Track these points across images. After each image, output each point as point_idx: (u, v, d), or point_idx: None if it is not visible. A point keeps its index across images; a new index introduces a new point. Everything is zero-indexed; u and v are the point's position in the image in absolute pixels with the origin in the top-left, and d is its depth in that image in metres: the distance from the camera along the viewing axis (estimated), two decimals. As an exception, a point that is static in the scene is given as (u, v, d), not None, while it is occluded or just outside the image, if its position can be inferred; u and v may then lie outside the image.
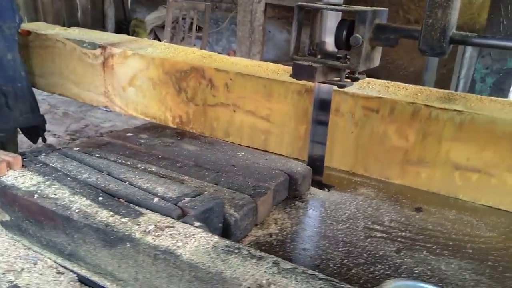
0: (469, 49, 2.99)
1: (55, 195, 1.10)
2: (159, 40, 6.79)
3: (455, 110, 1.44)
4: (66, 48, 2.20)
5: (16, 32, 1.89)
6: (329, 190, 1.51)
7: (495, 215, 1.42)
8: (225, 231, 1.15)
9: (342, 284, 0.85)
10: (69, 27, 2.50)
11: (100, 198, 1.09)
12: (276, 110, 1.76)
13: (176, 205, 1.09)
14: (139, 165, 1.35)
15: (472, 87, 2.46)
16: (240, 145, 1.84)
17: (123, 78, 2.06)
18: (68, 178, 1.17)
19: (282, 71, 1.80)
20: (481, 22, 2.72)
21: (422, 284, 0.77)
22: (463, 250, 1.22)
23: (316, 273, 0.87)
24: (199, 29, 6.24)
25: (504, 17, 2.28)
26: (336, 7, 1.26)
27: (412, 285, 0.77)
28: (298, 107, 1.71)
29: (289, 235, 1.25)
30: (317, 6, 1.28)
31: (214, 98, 1.88)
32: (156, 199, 1.11)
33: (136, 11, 7.93)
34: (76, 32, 2.37)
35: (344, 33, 1.24)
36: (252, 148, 1.81)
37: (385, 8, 1.27)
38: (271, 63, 1.90)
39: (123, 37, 2.31)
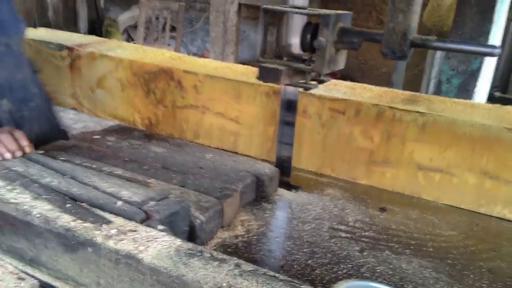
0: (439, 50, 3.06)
1: (16, 199, 1.08)
2: (133, 40, 6.73)
3: (417, 111, 1.47)
4: (32, 49, 2.16)
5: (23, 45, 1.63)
6: (296, 191, 1.53)
7: (457, 214, 1.45)
8: (191, 234, 1.15)
9: (302, 285, 0.86)
10: (40, 27, 2.45)
11: (63, 203, 1.08)
12: (245, 112, 1.77)
13: (140, 209, 1.09)
14: (104, 168, 1.33)
15: (438, 88, 2.51)
16: (209, 146, 1.85)
17: (91, 80, 2.04)
18: (30, 183, 1.15)
19: (251, 73, 1.81)
20: (449, 25, 2.78)
21: (373, 284, 0.79)
22: (424, 249, 1.25)
23: (277, 275, 0.88)
24: (173, 29, 6.20)
25: (468, 20, 2.34)
26: (301, 11, 1.27)
27: (364, 285, 0.78)
28: (266, 108, 1.72)
29: (255, 237, 1.26)
30: (282, 10, 1.29)
31: (183, 100, 1.88)
32: (119, 203, 1.10)
33: (109, 10, 7.83)
34: (43, 33, 2.33)
35: (309, 36, 1.26)
36: (221, 149, 1.82)
37: (348, 12, 1.29)
38: (240, 65, 1.91)
39: (91, 38, 2.29)
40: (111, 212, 1.06)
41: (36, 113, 1.68)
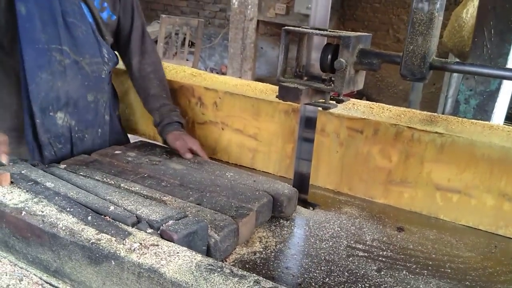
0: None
1: (43, 212, 1.12)
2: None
3: (436, 132, 1.48)
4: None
5: (105, 70, 1.67)
6: (313, 209, 1.54)
7: (475, 235, 1.45)
8: (206, 253, 1.16)
9: (321, 303, 0.87)
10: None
11: (85, 216, 1.11)
12: (264, 129, 1.79)
13: (159, 228, 1.10)
14: (122, 184, 1.36)
15: (456, 108, 2.51)
16: (228, 162, 1.87)
17: (123, 99, 2.09)
18: (54, 196, 1.19)
19: (270, 91, 1.84)
20: (471, 45, 2.78)
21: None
22: (442, 269, 1.25)
23: (295, 292, 0.90)
24: (192, 44, 6.30)
25: (487, 41, 2.34)
26: (321, 32, 1.30)
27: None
28: (285, 126, 1.74)
29: (272, 253, 1.28)
30: (303, 31, 1.32)
31: (203, 116, 1.91)
32: (112, 207, 1.13)
33: (129, 26, 7.97)
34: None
35: (329, 57, 1.28)
36: (240, 166, 1.84)
37: (368, 34, 1.31)
38: (260, 83, 1.94)
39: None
40: (106, 215, 1.12)
41: (102, 140, 1.71)
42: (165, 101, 1.78)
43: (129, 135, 2.06)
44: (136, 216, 1.14)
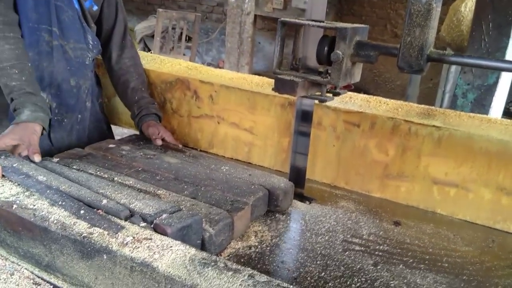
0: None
1: (34, 205, 1.10)
2: (149, 49, 6.80)
3: (433, 125, 1.47)
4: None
5: (89, 57, 1.68)
6: (310, 203, 1.53)
7: (472, 229, 1.44)
8: (201, 247, 1.14)
9: (316, 297, 0.86)
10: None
11: (78, 210, 1.09)
12: (260, 123, 1.78)
13: (153, 221, 1.09)
14: (116, 178, 1.34)
15: (453, 102, 2.50)
16: (223, 157, 1.86)
17: (109, 88, 2.06)
18: (46, 189, 1.17)
19: (266, 84, 1.82)
20: (468, 39, 2.77)
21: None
22: (439, 264, 1.24)
23: (290, 286, 0.88)
24: (189, 39, 6.26)
25: (485, 34, 2.33)
26: (318, 24, 1.28)
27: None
28: (281, 120, 1.73)
29: (268, 248, 1.26)
30: (299, 22, 1.30)
31: (199, 109, 1.89)
32: (104, 201, 1.12)
33: (126, 20, 7.93)
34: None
35: (326, 49, 1.27)
36: (236, 160, 1.82)
37: (365, 26, 1.29)
38: (256, 76, 1.92)
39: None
40: (98, 208, 1.10)
41: (81, 126, 1.70)
42: (143, 94, 1.80)
43: (124, 130, 2.04)
44: (129, 210, 1.12)
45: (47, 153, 1.46)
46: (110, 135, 1.96)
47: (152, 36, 6.27)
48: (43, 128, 1.44)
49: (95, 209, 1.11)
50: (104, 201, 1.13)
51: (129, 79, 1.79)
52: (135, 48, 1.88)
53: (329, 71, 1.25)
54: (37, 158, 1.36)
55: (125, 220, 1.08)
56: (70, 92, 1.65)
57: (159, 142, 1.68)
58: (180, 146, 1.72)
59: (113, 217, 1.08)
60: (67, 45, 1.58)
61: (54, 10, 1.52)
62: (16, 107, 1.41)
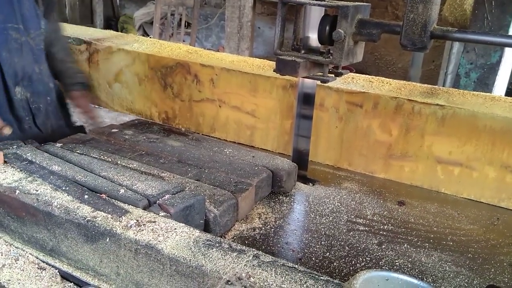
0: (456, 45, 3.01)
1: (37, 191, 1.10)
2: (148, 36, 6.75)
3: (437, 104, 1.45)
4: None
5: (42, 41, 1.67)
6: (313, 185, 1.52)
7: (477, 208, 1.43)
8: (205, 228, 1.15)
9: (322, 276, 0.86)
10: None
11: (81, 194, 1.09)
12: (262, 105, 1.76)
13: (156, 202, 1.09)
14: (120, 161, 1.34)
15: (456, 82, 2.48)
16: (226, 140, 1.85)
17: (109, 74, 2.06)
18: (49, 175, 1.16)
19: (268, 67, 1.81)
20: (470, 17, 2.73)
21: (393, 275, 0.78)
22: (444, 242, 1.24)
23: (296, 266, 0.88)
24: (188, 25, 6.21)
25: (488, 13, 2.30)
26: (319, 2, 1.26)
27: (384, 275, 0.77)
28: (283, 102, 1.71)
29: (272, 229, 1.26)
30: (300, 1, 1.28)
31: (200, 93, 1.88)
32: (122, 190, 1.11)
33: (124, 7, 7.87)
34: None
35: (327, 28, 1.25)
36: (238, 143, 1.82)
37: (367, 4, 1.27)
38: (257, 59, 1.90)
39: (109, 32, 2.30)
40: (116, 199, 1.08)
41: (52, 107, 1.73)
42: (70, 64, 1.81)
43: (127, 115, 2.04)
44: (132, 191, 1.11)
45: (42, 141, 1.47)
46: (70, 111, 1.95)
47: (151, 23, 6.21)
48: None
49: (98, 194, 1.10)
50: (121, 191, 1.11)
51: (55, 52, 1.79)
52: (58, 21, 1.85)
53: (331, 51, 1.23)
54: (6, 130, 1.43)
55: (144, 209, 1.06)
56: (38, 80, 1.68)
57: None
58: (98, 119, 1.75)
59: (116, 200, 1.08)
60: (28, 36, 1.60)
61: (18, 7, 1.54)
62: None
